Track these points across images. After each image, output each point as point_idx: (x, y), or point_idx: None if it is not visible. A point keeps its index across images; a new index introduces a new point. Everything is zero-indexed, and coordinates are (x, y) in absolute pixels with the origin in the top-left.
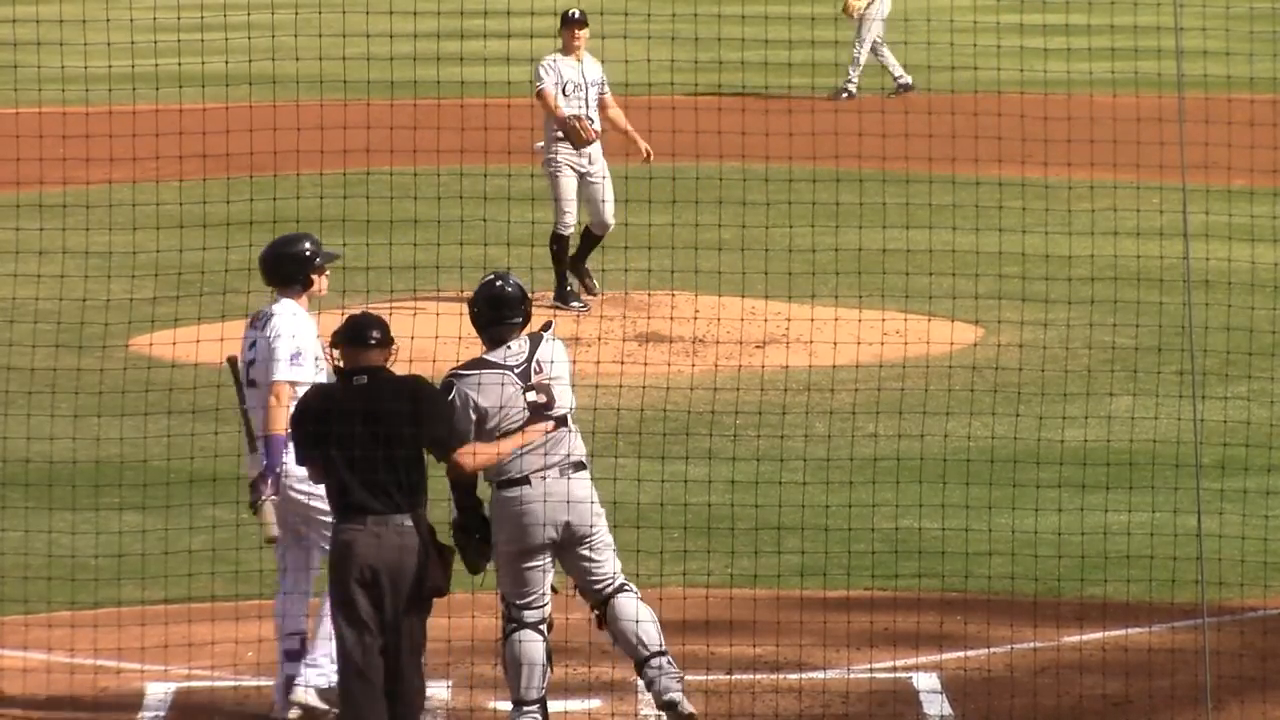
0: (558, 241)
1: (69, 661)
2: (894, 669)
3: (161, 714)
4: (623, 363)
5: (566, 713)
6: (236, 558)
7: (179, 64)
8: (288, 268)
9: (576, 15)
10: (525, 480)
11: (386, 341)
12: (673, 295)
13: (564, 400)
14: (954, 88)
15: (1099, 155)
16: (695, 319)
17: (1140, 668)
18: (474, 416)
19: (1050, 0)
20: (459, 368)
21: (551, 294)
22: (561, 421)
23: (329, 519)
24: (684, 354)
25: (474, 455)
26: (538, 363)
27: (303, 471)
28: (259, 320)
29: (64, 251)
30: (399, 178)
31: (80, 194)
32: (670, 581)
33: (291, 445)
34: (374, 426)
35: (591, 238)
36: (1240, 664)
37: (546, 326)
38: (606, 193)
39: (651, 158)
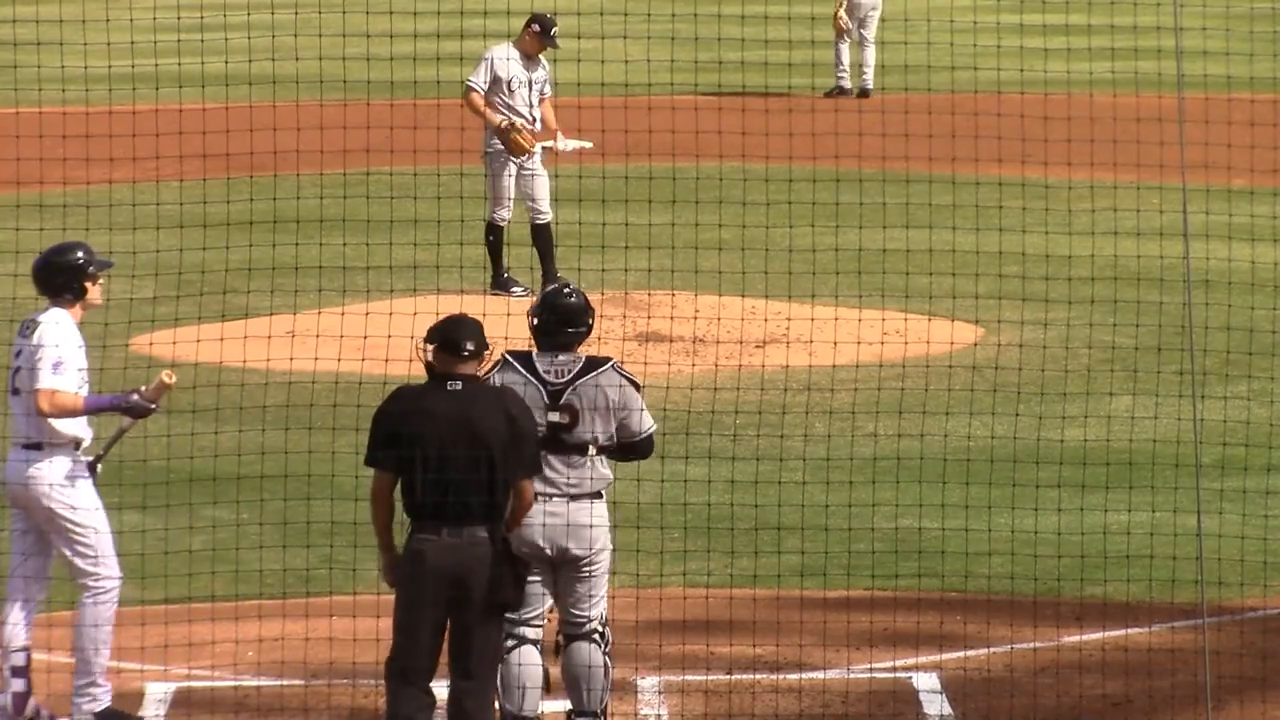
0: (493, 232)
1: (69, 661)
2: (894, 669)
3: (161, 714)
4: (623, 362)
5: (566, 712)
6: (236, 558)
7: (179, 64)
8: (59, 277)
9: (555, 36)
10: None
11: (480, 352)
12: (673, 295)
13: (592, 429)
14: (954, 88)
15: (1099, 155)
16: (695, 319)
17: (1140, 668)
18: None
19: (1050, 0)
20: (509, 352)
21: (496, 284)
22: (579, 450)
23: (79, 530)
24: (684, 354)
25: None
26: (576, 388)
27: (59, 474)
28: (26, 328)
29: None
30: (399, 178)
31: (80, 194)
32: (670, 581)
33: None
34: (465, 434)
35: (542, 236)
36: (1240, 664)
37: (606, 361)
38: (542, 189)
39: (558, 140)
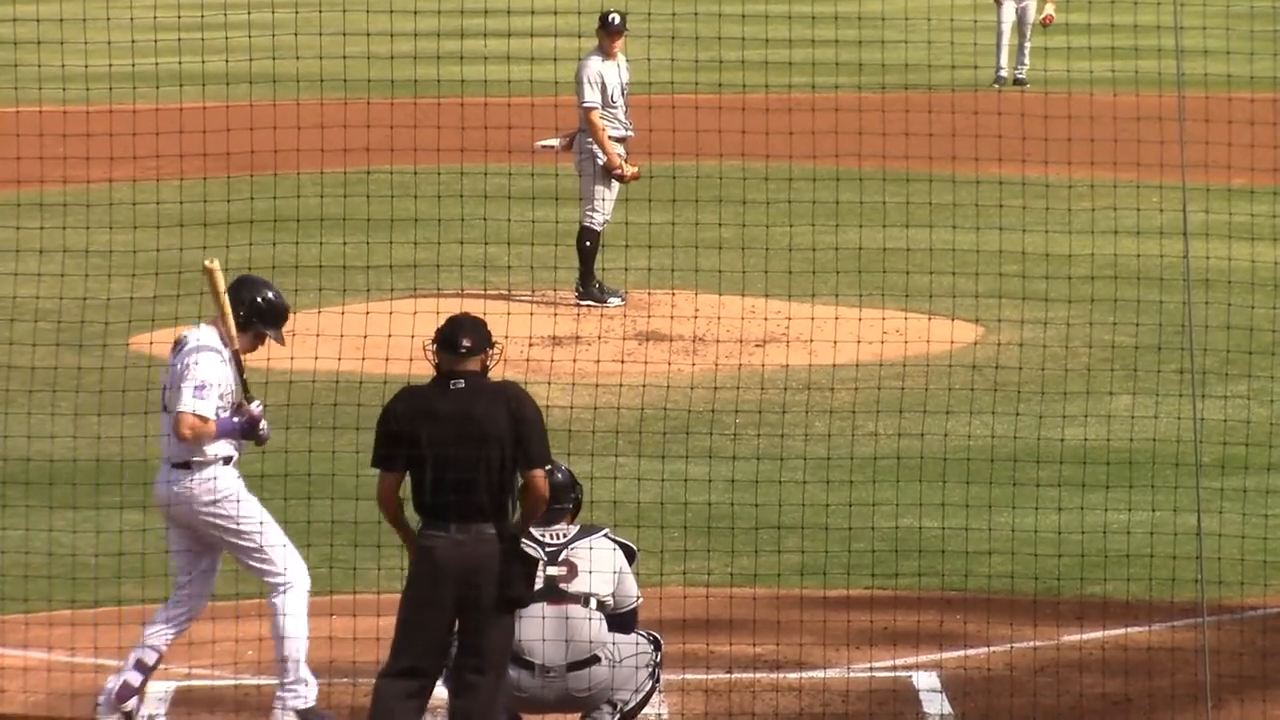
0: (590, 237)
1: (69, 660)
2: (894, 668)
3: (161, 713)
4: (623, 361)
5: (565, 715)
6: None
7: (179, 63)
8: (243, 299)
9: (616, 22)
10: (529, 666)
11: (479, 348)
12: (673, 294)
13: (591, 583)
14: (954, 87)
15: (1099, 154)
16: (695, 318)
17: (1140, 666)
18: None
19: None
20: None
21: (575, 293)
22: (581, 601)
23: (242, 540)
24: (684, 353)
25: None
26: (574, 548)
27: (205, 493)
28: (177, 346)
29: (64, 250)
30: (399, 176)
31: (80, 193)
32: (670, 580)
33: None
34: (468, 431)
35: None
36: (1240, 663)
37: (599, 529)
38: (613, 191)
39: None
